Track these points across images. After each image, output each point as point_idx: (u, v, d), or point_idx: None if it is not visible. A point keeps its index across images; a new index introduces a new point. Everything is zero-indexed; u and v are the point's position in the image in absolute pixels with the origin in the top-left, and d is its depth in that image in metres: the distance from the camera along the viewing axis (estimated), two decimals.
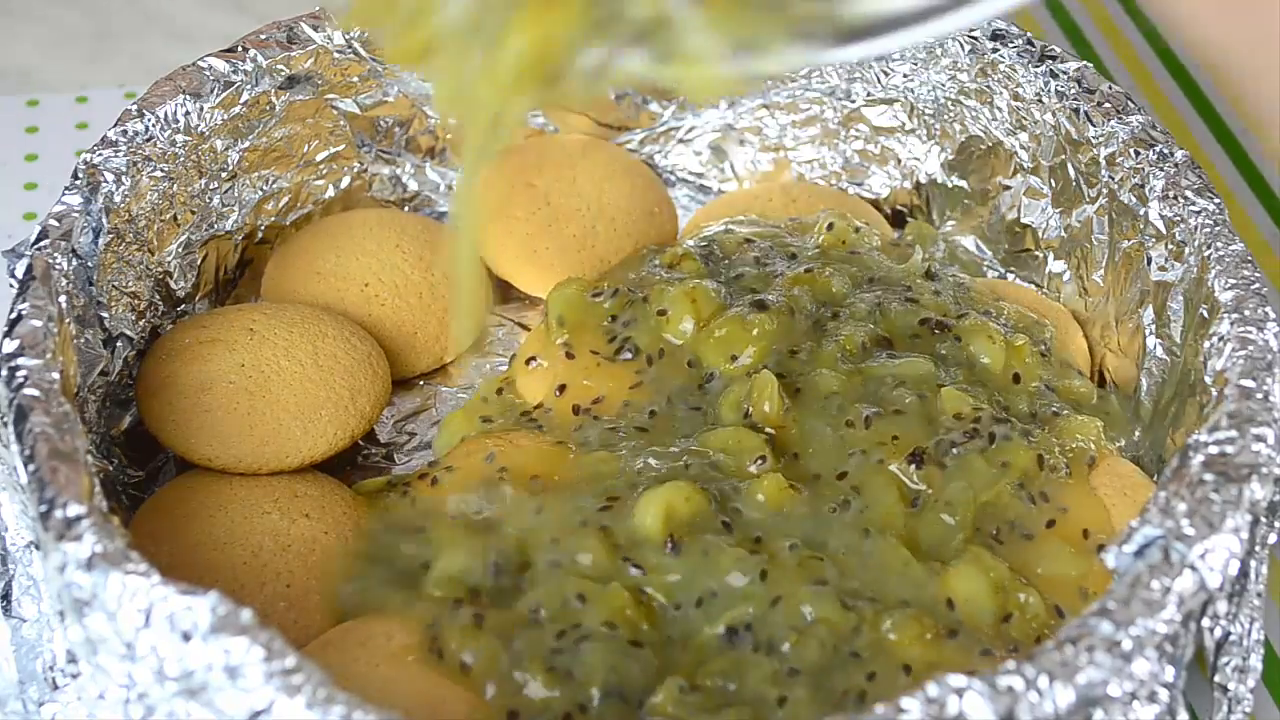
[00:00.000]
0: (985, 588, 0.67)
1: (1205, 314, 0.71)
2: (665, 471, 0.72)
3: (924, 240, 0.87)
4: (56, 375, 0.65)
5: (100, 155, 0.75)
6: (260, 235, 0.85)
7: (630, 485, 0.71)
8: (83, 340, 0.71)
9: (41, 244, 0.70)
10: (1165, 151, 0.77)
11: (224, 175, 0.82)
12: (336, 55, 0.84)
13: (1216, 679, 0.63)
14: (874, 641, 0.65)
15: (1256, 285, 0.70)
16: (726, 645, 0.65)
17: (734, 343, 0.77)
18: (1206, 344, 0.70)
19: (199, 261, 0.81)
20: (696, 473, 0.72)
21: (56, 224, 0.71)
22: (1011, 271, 0.87)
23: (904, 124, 0.89)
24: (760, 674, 0.64)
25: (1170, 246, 0.75)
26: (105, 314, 0.73)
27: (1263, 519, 0.62)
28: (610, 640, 0.65)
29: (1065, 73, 0.82)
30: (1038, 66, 0.82)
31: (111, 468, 0.72)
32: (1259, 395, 0.65)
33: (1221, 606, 0.61)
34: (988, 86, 0.85)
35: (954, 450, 0.72)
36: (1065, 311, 0.83)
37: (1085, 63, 0.82)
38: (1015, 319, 0.81)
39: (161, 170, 0.77)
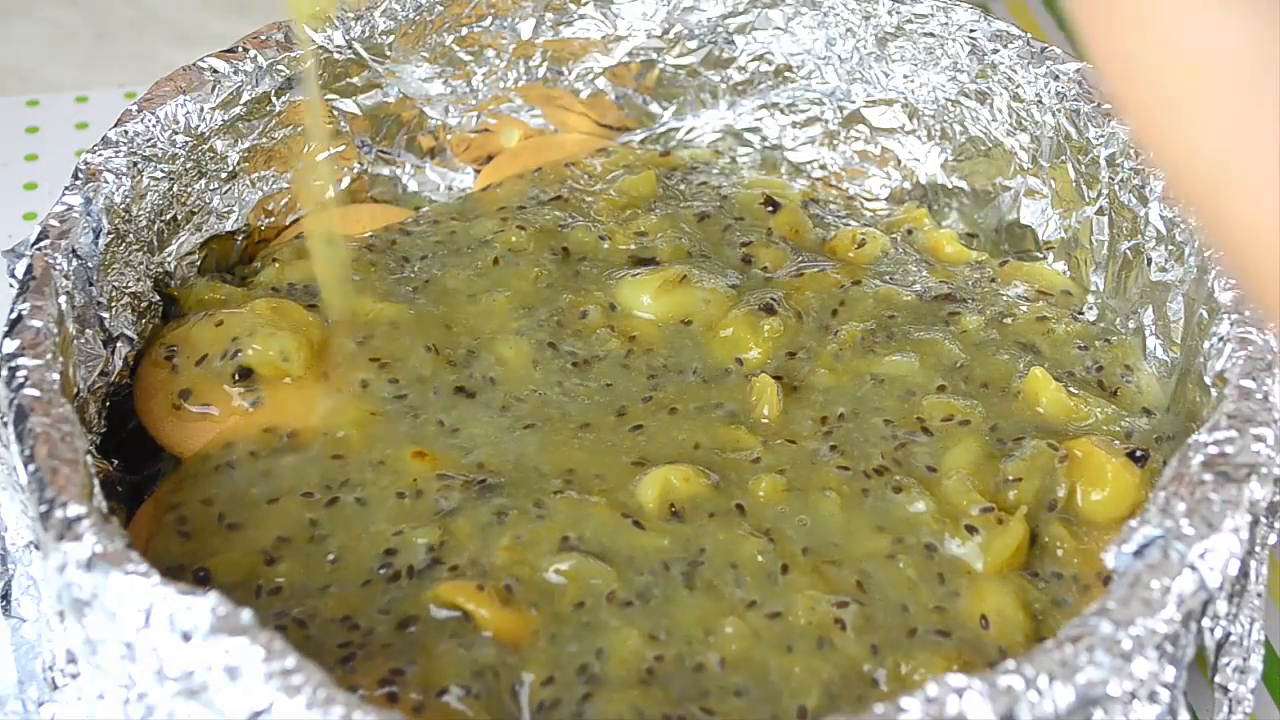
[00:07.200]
0: (1014, 603, 0.66)
1: (1205, 315, 0.71)
2: (672, 452, 0.72)
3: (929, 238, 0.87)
4: (56, 375, 0.65)
5: (100, 155, 0.75)
6: (260, 235, 0.85)
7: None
8: (83, 340, 0.71)
9: (41, 244, 0.70)
10: None
11: (224, 175, 0.82)
12: (336, 56, 0.84)
13: (1217, 679, 0.63)
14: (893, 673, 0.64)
15: None
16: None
17: (740, 344, 0.77)
18: (1206, 344, 0.70)
19: (199, 262, 0.81)
20: (702, 458, 0.72)
21: (56, 224, 0.71)
22: None
23: (904, 125, 0.89)
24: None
25: (1170, 248, 0.75)
26: (105, 314, 0.73)
27: (1263, 519, 0.62)
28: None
29: (1066, 74, 0.82)
30: (1038, 67, 0.82)
31: (111, 468, 0.72)
32: (1259, 395, 0.65)
33: (1221, 606, 0.61)
34: (988, 87, 0.85)
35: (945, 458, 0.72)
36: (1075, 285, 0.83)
37: (1086, 63, 0.82)
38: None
39: (161, 170, 0.77)
